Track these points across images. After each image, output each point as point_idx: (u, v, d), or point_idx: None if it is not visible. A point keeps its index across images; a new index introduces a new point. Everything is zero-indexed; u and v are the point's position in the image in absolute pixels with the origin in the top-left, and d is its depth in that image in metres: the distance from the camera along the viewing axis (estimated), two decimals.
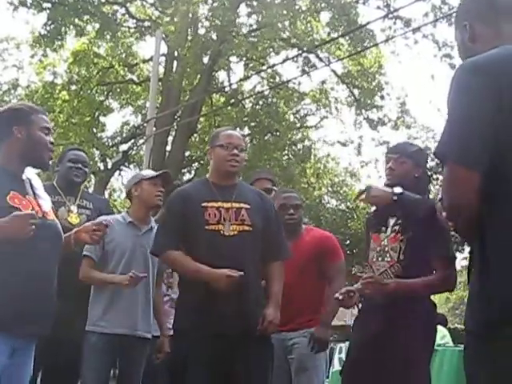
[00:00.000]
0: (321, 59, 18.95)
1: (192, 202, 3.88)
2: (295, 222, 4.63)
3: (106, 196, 21.53)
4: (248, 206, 3.90)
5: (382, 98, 19.81)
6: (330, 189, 23.41)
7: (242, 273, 3.61)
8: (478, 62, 2.06)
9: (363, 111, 19.92)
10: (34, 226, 2.77)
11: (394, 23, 17.28)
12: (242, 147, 4.00)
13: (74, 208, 4.53)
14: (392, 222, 3.89)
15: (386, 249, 3.85)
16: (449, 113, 2.06)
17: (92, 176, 20.71)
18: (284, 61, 17.37)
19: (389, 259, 3.82)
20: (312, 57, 18.88)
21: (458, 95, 2.05)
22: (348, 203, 23.51)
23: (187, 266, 3.80)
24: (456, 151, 1.96)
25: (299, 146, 20.54)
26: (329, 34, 18.53)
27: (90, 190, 16.25)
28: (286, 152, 20.21)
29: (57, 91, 19.80)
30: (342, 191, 23.62)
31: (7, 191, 2.88)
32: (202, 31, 18.21)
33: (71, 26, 17.56)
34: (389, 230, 3.89)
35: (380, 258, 3.88)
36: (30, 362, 2.98)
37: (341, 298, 3.77)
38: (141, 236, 4.31)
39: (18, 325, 2.80)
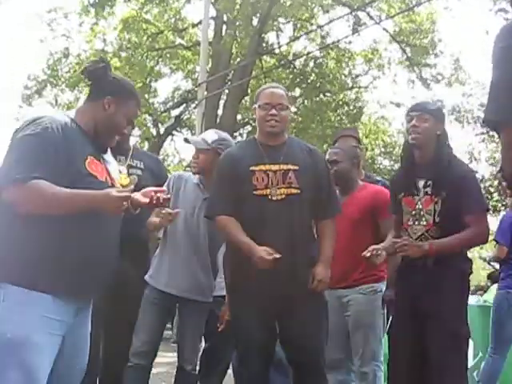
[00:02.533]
0: (372, 17, 18.67)
1: (240, 165, 3.88)
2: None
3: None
4: (296, 167, 3.87)
5: (436, 55, 19.48)
6: (382, 149, 23.20)
7: (278, 255, 3.60)
8: None
9: (416, 69, 19.62)
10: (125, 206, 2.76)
11: None
12: (282, 106, 3.91)
13: (123, 169, 4.36)
14: (421, 183, 3.87)
15: (422, 212, 3.84)
16: (495, 76, 1.99)
17: (145, 142, 20.89)
18: (333, 20, 17.15)
19: (425, 223, 3.82)
20: (363, 15, 18.63)
21: (503, 56, 1.99)
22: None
23: (233, 234, 3.83)
24: None
25: (351, 106, 20.35)
26: None
27: None
28: (338, 112, 20.04)
29: (108, 59, 19.80)
30: (394, 152, 23.41)
31: (86, 155, 2.84)
32: None
33: None
34: (421, 192, 3.87)
35: (416, 222, 3.86)
36: (89, 320, 3.02)
37: (368, 255, 3.80)
38: (205, 200, 4.25)
39: (83, 291, 2.83)
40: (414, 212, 3.87)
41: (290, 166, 3.85)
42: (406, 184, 3.95)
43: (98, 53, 19.75)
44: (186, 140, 4.47)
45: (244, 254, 3.73)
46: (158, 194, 3.14)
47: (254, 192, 3.80)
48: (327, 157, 4.61)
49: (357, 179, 4.75)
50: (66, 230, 2.73)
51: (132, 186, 3.03)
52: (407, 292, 3.87)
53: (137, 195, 3.16)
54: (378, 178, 5.44)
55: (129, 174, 4.43)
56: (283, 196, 3.80)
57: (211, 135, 4.43)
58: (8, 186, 2.67)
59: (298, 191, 3.82)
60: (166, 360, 4.43)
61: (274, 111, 3.87)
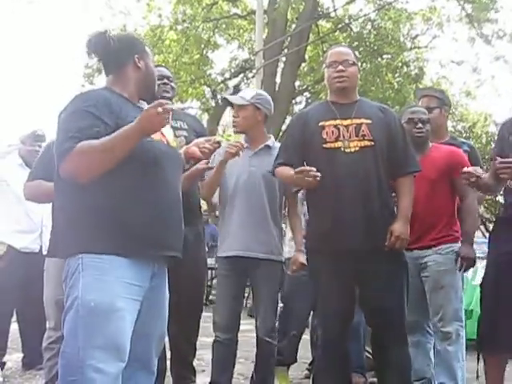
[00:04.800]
0: None
1: (311, 121, 3.90)
2: (422, 137, 4.52)
3: (220, 132, 21.80)
4: (369, 121, 3.84)
5: (496, 10, 18.92)
6: None
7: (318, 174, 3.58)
8: None
9: (476, 26, 19.11)
10: (168, 112, 2.71)
11: None
12: (348, 61, 3.93)
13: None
14: None
15: None
16: None
17: (205, 113, 20.98)
18: None
19: None
20: None
21: None
22: (464, 123, 22.91)
23: (284, 174, 3.89)
24: None
25: (411, 67, 20.00)
26: None
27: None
28: (398, 74, 19.73)
29: (164, 33, 19.94)
30: (457, 112, 22.97)
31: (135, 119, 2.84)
32: None
33: None
34: None
35: None
36: (166, 285, 3.05)
37: (466, 170, 3.77)
38: (252, 156, 4.32)
39: (157, 250, 2.85)
40: None
41: (363, 120, 3.85)
42: None
43: (154, 27, 19.85)
44: (225, 99, 4.44)
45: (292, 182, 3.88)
46: (207, 143, 3.32)
47: (324, 145, 3.80)
48: (414, 115, 4.55)
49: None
50: (129, 191, 2.76)
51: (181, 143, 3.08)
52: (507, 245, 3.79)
53: (191, 147, 3.27)
54: (463, 140, 5.32)
55: (175, 136, 4.41)
56: (357, 148, 3.78)
57: (249, 92, 4.46)
58: (61, 162, 2.71)
59: (372, 143, 3.80)
60: (242, 327, 4.44)
61: (340, 67, 3.89)
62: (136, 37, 3.17)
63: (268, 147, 4.34)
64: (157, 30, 19.84)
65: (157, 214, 2.81)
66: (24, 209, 5.23)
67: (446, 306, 4.37)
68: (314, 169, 3.59)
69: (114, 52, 2.98)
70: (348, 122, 3.84)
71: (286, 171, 3.85)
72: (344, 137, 3.80)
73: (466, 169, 3.84)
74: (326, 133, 3.81)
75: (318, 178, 3.58)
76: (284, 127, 10.11)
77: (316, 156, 3.82)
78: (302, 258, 4.23)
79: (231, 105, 4.43)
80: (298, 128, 3.96)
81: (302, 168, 3.62)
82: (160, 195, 2.84)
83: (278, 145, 4.40)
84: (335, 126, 3.82)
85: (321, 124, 3.85)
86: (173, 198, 2.93)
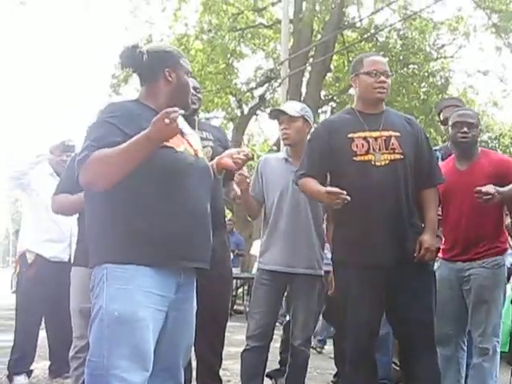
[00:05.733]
0: None
1: (338, 133, 3.84)
2: (468, 141, 4.37)
3: (245, 141, 21.82)
4: (398, 134, 3.81)
5: None
6: None
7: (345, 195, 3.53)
8: None
9: (503, 36, 18.99)
10: (175, 121, 2.67)
11: None
12: (387, 73, 3.88)
13: None
14: None
15: None
16: None
17: (230, 122, 21.01)
18: None
19: None
20: None
21: None
22: (490, 133, 22.76)
23: (310, 188, 3.83)
24: None
25: (437, 77, 19.91)
26: None
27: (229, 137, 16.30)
28: (424, 84, 19.65)
29: (190, 42, 20.02)
30: (483, 122, 22.82)
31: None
32: None
33: None
34: None
35: None
36: (194, 297, 3.04)
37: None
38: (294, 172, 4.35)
39: (179, 261, 2.85)
40: None
41: (392, 133, 3.81)
42: None
43: (179, 37, 19.95)
44: (277, 110, 4.44)
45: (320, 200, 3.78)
46: (241, 153, 3.26)
47: (355, 158, 3.76)
48: (461, 118, 4.40)
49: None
50: (151, 202, 2.77)
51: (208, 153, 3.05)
52: None
53: (223, 158, 3.24)
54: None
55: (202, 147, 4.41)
56: (387, 161, 3.75)
57: (296, 104, 4.48)
58: (79, 172, 2.74)
59: (402, 157, 3.78)
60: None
61: (383, 78, 3.84)
62: (168, 50, 3.13)
63: None
64: (182, 39, 19.93)
65: (179, 224, 2.81)
66: (53, 218, 5.26)
67: (487, 322, 4.28)
68: (345, 192, 3.54)
69: (145, 66, 3.01)
70: (377, 134, 3.81)
71: (312, 185, 3.82)
72: (374, 149, 3.77)
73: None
74: (356, 145, 3.78)
75: (346, 202, 3.54)
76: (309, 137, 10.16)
77: (345, 168, 3.79)
78: None
79: (275, 117, 4.44)
80: (324, 138, 3.90)
81: (335, 190, 3.55)
82: (183, 206, 2.84)
83: None
84: (364, 139, 3.79)
85: (350, 136, 3.80)
86: (198, 209, 2.92)
